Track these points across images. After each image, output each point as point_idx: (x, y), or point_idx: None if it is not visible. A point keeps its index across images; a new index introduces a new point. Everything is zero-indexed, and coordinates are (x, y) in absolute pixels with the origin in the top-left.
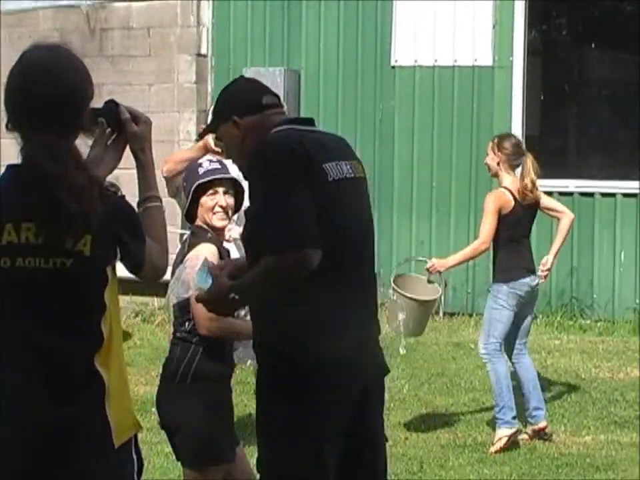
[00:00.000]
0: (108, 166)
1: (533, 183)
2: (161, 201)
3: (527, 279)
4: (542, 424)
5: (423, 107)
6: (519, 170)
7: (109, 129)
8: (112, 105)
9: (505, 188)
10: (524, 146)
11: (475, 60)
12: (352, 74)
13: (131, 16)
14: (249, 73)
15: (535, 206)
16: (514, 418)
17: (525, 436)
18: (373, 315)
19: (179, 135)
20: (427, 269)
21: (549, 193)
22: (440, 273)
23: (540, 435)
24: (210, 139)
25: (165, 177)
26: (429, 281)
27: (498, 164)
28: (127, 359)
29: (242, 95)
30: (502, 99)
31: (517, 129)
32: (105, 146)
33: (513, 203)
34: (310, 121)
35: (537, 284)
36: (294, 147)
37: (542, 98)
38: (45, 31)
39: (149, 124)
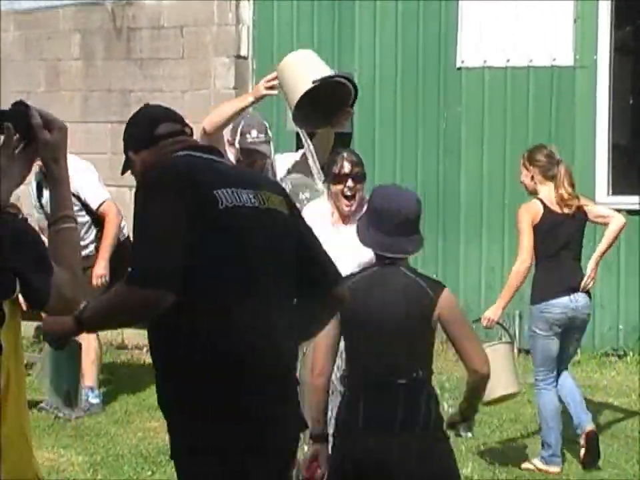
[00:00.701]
0: (12, 181)
1: (569, 193)
2: (75, 222)
3: (564, 300)
4: (589, 427)
5: (494, 113)
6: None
7: (16, 136)
8: (21, 108)
9: (538, 199)
10: (558, 155)
11: (554, 59)
12: (412, 77)
13: (161, 14)
14: None
15: (578, 217)
16: (551, 456)
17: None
18: (288, 353)
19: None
20: (485, 327)
21: None
22: (499, 323)
23: (589, 443)
24: (261, 84)
25: (204, 131)
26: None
27: (532, 179)
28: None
29: (134, 129)
30: (584, 103)
31: (602, 138)
32: (11, 156)
33: (542, 212)
34: (213, 150)
35: (583, 306)
36: (178, 171)
37: (631, 102)
38: (66, 32)
39: (64, 130)
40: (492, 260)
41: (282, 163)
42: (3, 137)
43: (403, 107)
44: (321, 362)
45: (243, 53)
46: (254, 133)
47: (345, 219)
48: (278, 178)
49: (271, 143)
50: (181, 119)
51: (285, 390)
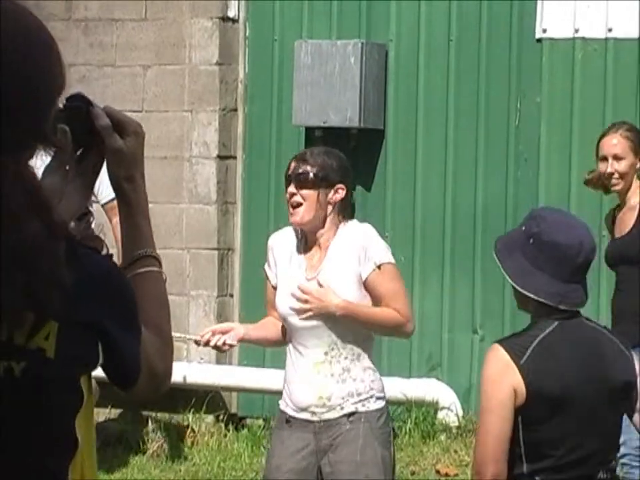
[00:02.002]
0: (73, 204)
1: None
2: (160, 264)
3: None
4: None
5: (587, 98)
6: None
7: (74, 143)
8: (80, 104)
9: None
10: None
11: None
12: (470, 53)
13: None
14: (305, 47)
15: None
16: None
17: None
18: None
19: (190, 149)
20: None
21: None
22: None
23: None
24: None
25: None
26: None
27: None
28: None
29: None
30: None
31: None
32: (68, 170)
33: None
34: None
35: None
36: None
37: None
38: None
39: (142, 136)
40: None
41: None
42: (56, 145)
43: (456, 96)
44: (492, 463)
45: (232, 14)
46: None
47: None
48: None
49: None
50: None
51: None
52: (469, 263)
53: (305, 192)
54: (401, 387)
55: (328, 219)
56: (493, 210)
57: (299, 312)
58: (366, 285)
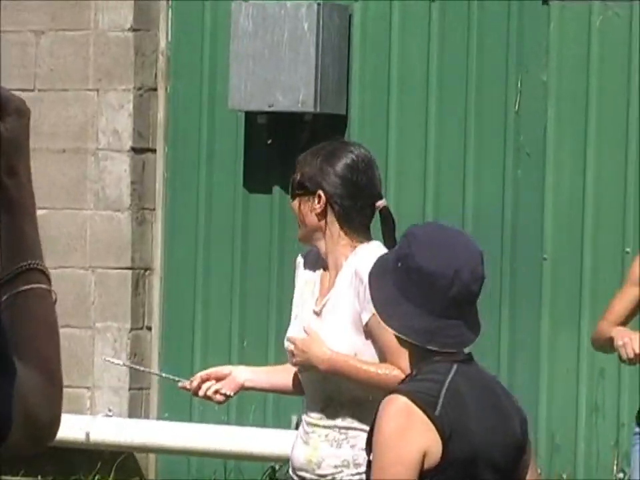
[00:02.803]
0: None
1: None
2: (49, 279)
3: None
4: None
5: (606, 76)
6: None
7: None
8: None
9: None
10: None
11: None
12: (459, 12)
13: None
14: (245, 10)
15: None
16: None
17: None
18: None
19: (97, 139)
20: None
21: None
22: None
23: None
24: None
25: None
26: None
27: None
28: None
29: None
30: None
31: None
32: None
33: None
34: None
35: None
36: None
37: None
38: None
39: (27, 115)
40: (601, 357)
41: None
42: None
43: (440, 72)
44: None
45: None
46: None
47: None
48: None
49: None
50: None
51: None
52: None
53: (296, 202)
54: None
55: (327, 235)
56: (485, 218)
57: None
58: (366, 332)
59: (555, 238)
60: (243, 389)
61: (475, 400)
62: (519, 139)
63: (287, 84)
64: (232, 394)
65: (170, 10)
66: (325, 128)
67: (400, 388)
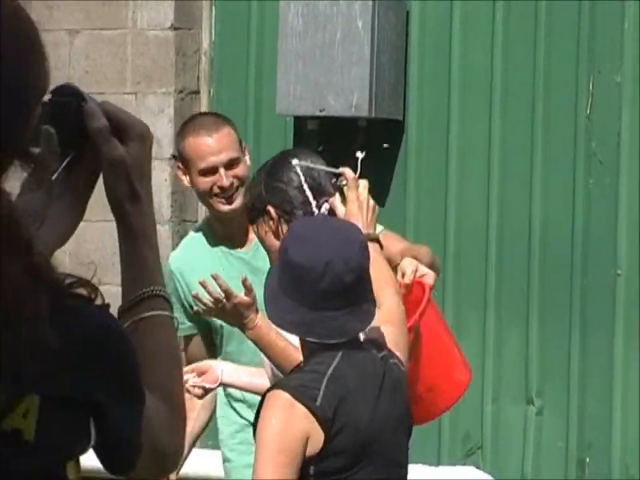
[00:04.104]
0: (59, 229)
1: None
2: (171, 306)
3: None
4: None
5: None
6: None
7: (61, 148)
8: (70, 98)
9: None
10: None
11: None
12: (525, 9)
13: None
14: (295, 8)
15: None
16: None
17: None
18: None
19: None
20: None
21: None
22: None
23: None
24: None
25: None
26: None
27: None
28: None
29: None
30: None
31: None
32: (53, 184)
33: None
34: None
35: None
36: None
37: None
38: None
39: (149, 141)
40: None
41: None
42: (37, 152)
43: (504, 73)
44: None
45: None
46: None
47: None
48: None
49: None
50: None
51: None
52: (521, 304)
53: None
54: (427, 478)
55: None
56: (554, 230)
57: None
58: None
59: (629, 252)
60: (221, 384)
61: (361, 386)
62: (590, 145)
63: (339, 87)
64: (210, 387)
65: (214, 7)
66: (380, 134)
67: (282, 383)
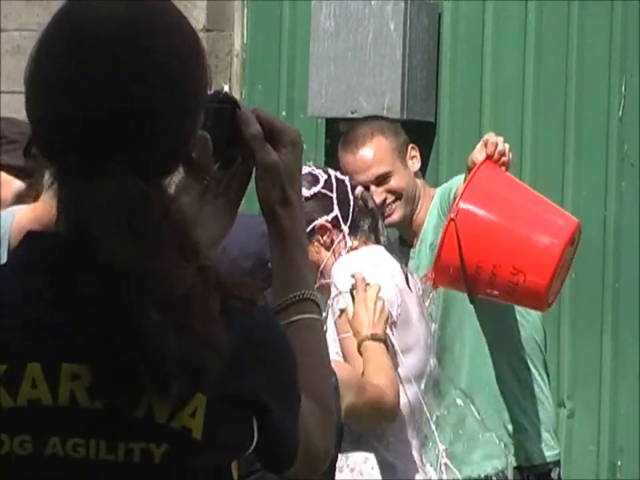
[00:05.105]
0: (211, 233)
1: None
2: (320, 310)
3: None
4: None
5: None
6: None
7: (214, 154)
8: (225, 105)
9: None
10: None
11: None
12: (557, 11)
13: None
14: (327, 8)
15: None
16: None
17: None
18: None
19: None
20: None
21: None
22: None
23: None
24: None
25: None
26: None
27: None
28: None
29: None
30: None
31: None
32: (206, 188)
33: None
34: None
35: None
36: None
37: None
38: None
39: (300, 147)
40: None
41: None
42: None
43: (536, 76)
44: None
45: None
46: None
47: None
48: None
49: None
50: None
51: None
52: (553, 307)
53: None
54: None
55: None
56: (585, 233)
57: None
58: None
59: None
60: None
61: None
62: (622, 147)
63: (371, 88)
64: None
65: (245, 9)
66: (412, 136)
67: None
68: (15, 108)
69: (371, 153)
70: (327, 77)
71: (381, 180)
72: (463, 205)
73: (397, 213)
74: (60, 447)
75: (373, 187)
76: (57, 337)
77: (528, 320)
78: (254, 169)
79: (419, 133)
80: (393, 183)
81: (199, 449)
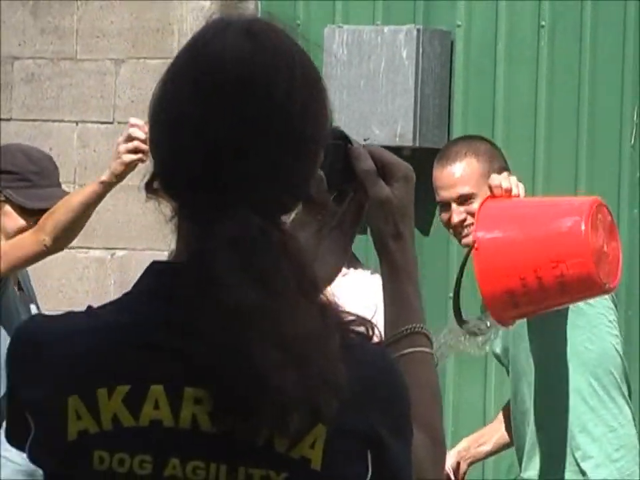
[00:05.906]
0: (326, 267)
1: None
2: (431, 343)
3: None
4: None
5: None
6: None
7: (328, 189)
8: (339, 142)
9: None
10: None
11: None
12: (569, 39)
13: None
14: (339, 36)
15: None
16: None
17: None
18: None
19: None
20: None
21: None
22: None
23: None
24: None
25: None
26: None
27: None
28: None
29: None
30: None
31: None
32: (322, 226)
33: None
34: None
35: None
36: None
37: None
38: None
39: (412, 182)
40: None
41: None
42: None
43: (548, 104)
44: None
45: None
46: None
47: None
48: None
49: None
50: None
51: None
52: None
53: None
54: None
55: None
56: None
57: None
58: None
59: None
60: None
61: None
62: (635, 175)
63: (383, 116)
64: None
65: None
66: (424, 163)
67: None
68: (29, 136)
69: (459, 172)
70: (340, 105)
71: (464, 200)
72: (479, 234)
73: (474, 236)
74: (179, 469)
75: (454, 205)
76: (178, 362)
77: (594, 342)
78: (366, 204)
79: (431, 160)
80: (476, 206)
81: (317, 479)
